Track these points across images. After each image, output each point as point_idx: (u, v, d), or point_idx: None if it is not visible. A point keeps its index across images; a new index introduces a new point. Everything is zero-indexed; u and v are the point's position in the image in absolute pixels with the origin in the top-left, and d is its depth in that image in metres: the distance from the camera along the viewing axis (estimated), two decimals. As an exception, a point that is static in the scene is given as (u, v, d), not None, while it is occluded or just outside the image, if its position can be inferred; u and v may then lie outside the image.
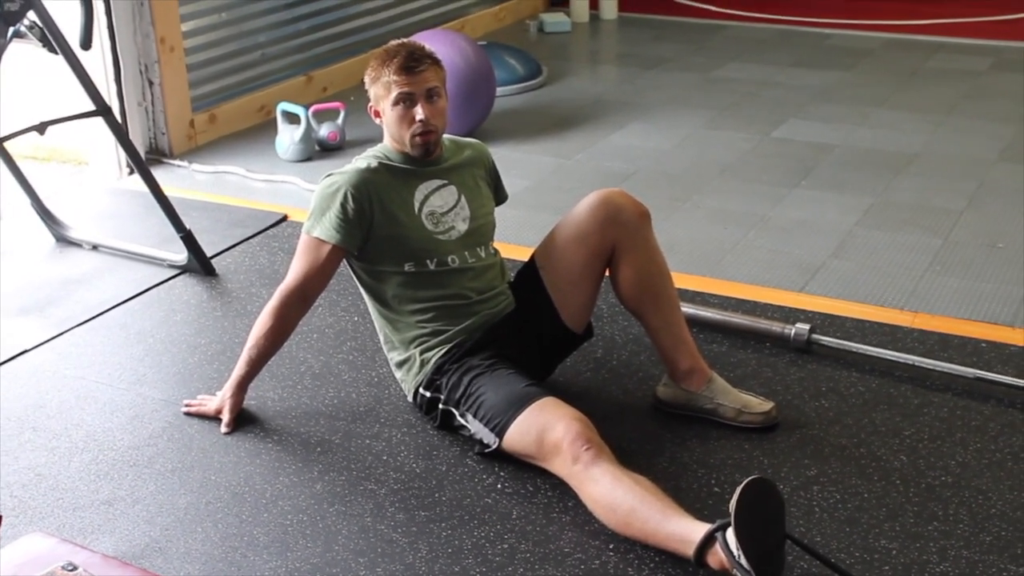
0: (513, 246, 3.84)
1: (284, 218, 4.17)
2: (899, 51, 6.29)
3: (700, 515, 2.31)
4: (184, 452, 2.74)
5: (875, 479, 2.57)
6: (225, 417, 2.83)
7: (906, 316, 3.30)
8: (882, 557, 2.32)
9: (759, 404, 2.77)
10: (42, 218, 4.06)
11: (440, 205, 2.81)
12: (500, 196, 3.05)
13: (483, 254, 2.86)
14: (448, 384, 2.72)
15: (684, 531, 2.24)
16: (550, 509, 2.49)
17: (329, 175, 2.81)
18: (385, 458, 2.70)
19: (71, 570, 1.80)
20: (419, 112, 2.73)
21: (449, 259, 2.79)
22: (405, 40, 2.86)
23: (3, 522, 2.11)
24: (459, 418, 2.70)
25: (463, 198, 2.85)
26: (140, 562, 2.34)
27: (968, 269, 3.59)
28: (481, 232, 2.87)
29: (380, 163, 2.81)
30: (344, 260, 2.82)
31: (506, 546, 2.39)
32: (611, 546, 2.36)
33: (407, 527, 2.46)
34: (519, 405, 2.55)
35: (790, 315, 3.27)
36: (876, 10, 6.71)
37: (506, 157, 4.72)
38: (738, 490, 2.15)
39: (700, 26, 6.96)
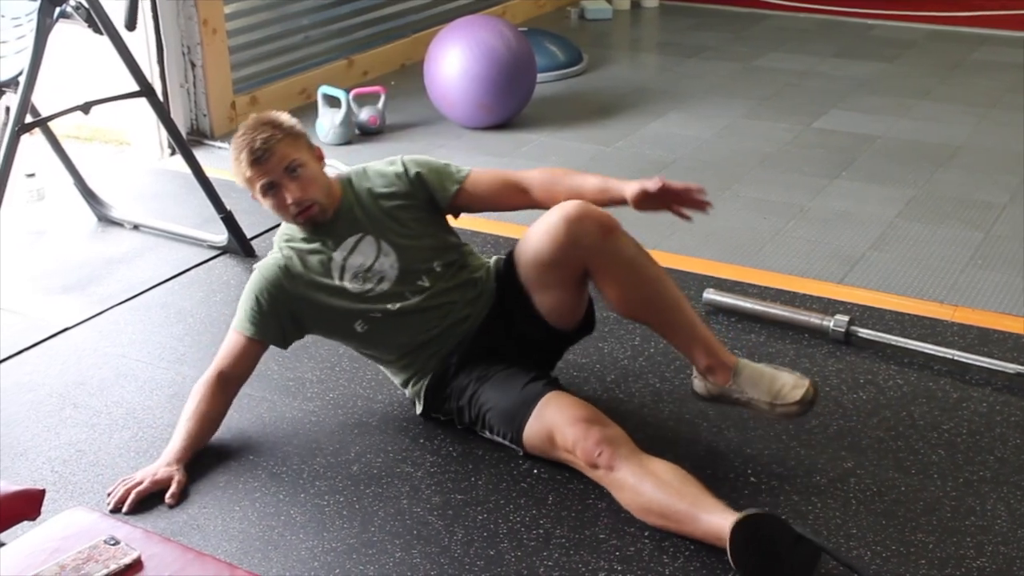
0: (551, 233, 3.84)
1: (323, 201, 4.18)
2: (943, 43, 6.23)
3: (736, 505, 2.30)
4: (222, 431, 2.75)
5: (912, 472, 2.56)
6: (172, 488, 2.53)
7: (946, 310, 3.28)
8: (919, 551, 2.31)
9: (792, 389, 2.50)
10: (84, 197, 4.10)
11: (361, 263, 2.68)
12: (446, 190, 2.75)
13: (427, 282, 2.70)
14: (453, 409, 2.71)
15: (717, 529, 2.23)
16: (586, 495, 2.49)
17: (255, 267, 2.76)
18: (422, 441, 2.71)
19: (113, 544, 1.82)
20: (287, 196, 2.62)
21: (388, 307, 2.67)
22: (248, 124, 2.67)
23: (45, 496, 2.13)
24: (479, 433, 2.70)
25: (382, 242, 2.69)
26: (178, 539, 2.36)
27: (1010, 263, 3.56)
28: (417, 260, 2.70)
29: (291, 249, 2.73)
30: None
31: (541, 531, 2.39)
32: (646, 533, 2.36)
33: (443, 510, 2.47)
34: (523, 412, 2.54)
35: (829, 306, 3.26)
36: (920, 1, 6.65)
37: (545, 144, 4.72)
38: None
39: (742, 15, 6.92)
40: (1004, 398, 2.84)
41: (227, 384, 2.72)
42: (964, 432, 2.71)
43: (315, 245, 2.71)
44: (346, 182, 2.78)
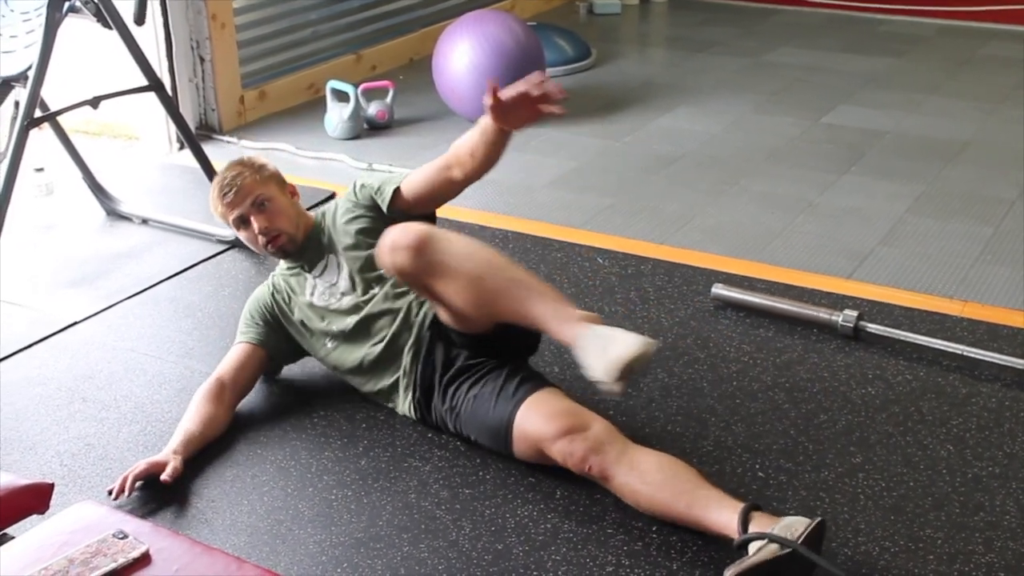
0: (559, 227, 3.85)
1: (332, 195, 4.18)
2: (952, 38, 6.22)
3: (744, 500, 2.30)
4: (230, 425, 2.76)
5: (921, 468, 2.56)
6: (167, 469, 2.53)
7: (955, 305, 3.27)
8: (927, 546, 2.31)
9: (609, 363, 2.24)
10: (93, 192, 4.10)
11: (329, 280, 2.85)
12: (385, 194, 2.81)
13: (376, 288, 2.79)
14: (447, 430, 2.70)
15: (719, 527, 2.23)
16: (594, 489, 2.48)
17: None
18: (430, 435, 2.71)
19: (122, 538, 1.82)
20: (255, 227, 2.82)
21: (348, 320, 2.77)
22: (224, 167, 2.95)
23: (54, 490, 2.14)
24: None
25: (339, 258, 2.84)
26: (186, 532, 2.36)
27: (1019, 259, 3.55)
28: (364, 268, 2.80)
29: (280, 275, 2.94)
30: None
31: (549, 525, 2.39)
32: (654, 528, 2.36)
33: (451, 504, 2.47)
34: (505, 434, 2.52)
35: (838, 301, 3.25)
36: (930, -4, 6.65)
37: (553, 138, 4.72)
38: None
39: (751, 10, 6.91)
40: (1013, 394, 2.83)
41: (223, 390, 2.77)
42: (973, 428, 2.70)
43: (295, 269, 2.91)
44: (321, 215, 2.94)
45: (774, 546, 2.11)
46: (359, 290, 2.80)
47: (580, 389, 2.85)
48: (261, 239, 2.84)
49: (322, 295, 2.83)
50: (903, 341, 3.04)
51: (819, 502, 2.44)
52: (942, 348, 2.99)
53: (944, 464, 2.57)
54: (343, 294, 2.81)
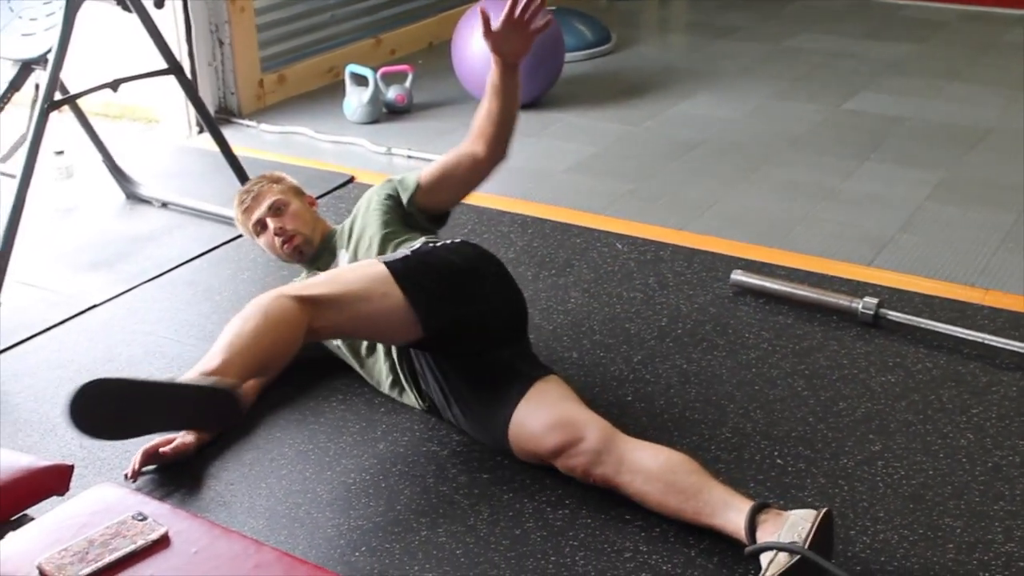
0: (578, 212, 3.84)
1: (351, 179, 4.18)
2: (975, 23, 6.18)
3: (763, 487, 2.30)
4: (250, 408, 2.76)
5: (941, 456, 2.55)
6: (175, 443, 2.57)
7: (977, 293, 3.25)
8: (946, 535, 2.30)
9: None
10: (113, 175, 4.11)
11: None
12: (408, 186, 2.84)
13: None
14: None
15: (729, 528, 2.20)
16: (611, 476, 2.49)
17: None
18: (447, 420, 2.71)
19: (141, 520, 1.83)
20: (271, 229, 2.92)
21: None
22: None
23: (74, 472, 2.15)
24: None
25: (343, 250, 2.87)
26: (205, 515, 2.36)
27: (1041, 247, 3.53)
28: (365, 248, 2.79)
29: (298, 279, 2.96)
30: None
31: (567, 511, 2.39)
32: (672, 515, 2.36)
33: (469, 489, 2.47)
34: (506, 446, 2.51)
35: (858, 289, 3.23)
36: (953, -18, 6.60)
37: (573, 123, 4.71)
38: None
39: (772, -5, 6.88)
40: (1034, 382, 2.82)
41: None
42: (993, 416, 2.69)
43: (312, 272, 2.93)
44: (343, 224, 2.96)
45: (784, 555, 2.10)
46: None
47: (596, 377, 2.85)
48: (277, 240, 2.92)
49: None
50: (923, 329, 3.02)
51: (838, 490, 2.43)
52: (963, 336, 2.97)
53: (964, 453, 2.56)
54: None
